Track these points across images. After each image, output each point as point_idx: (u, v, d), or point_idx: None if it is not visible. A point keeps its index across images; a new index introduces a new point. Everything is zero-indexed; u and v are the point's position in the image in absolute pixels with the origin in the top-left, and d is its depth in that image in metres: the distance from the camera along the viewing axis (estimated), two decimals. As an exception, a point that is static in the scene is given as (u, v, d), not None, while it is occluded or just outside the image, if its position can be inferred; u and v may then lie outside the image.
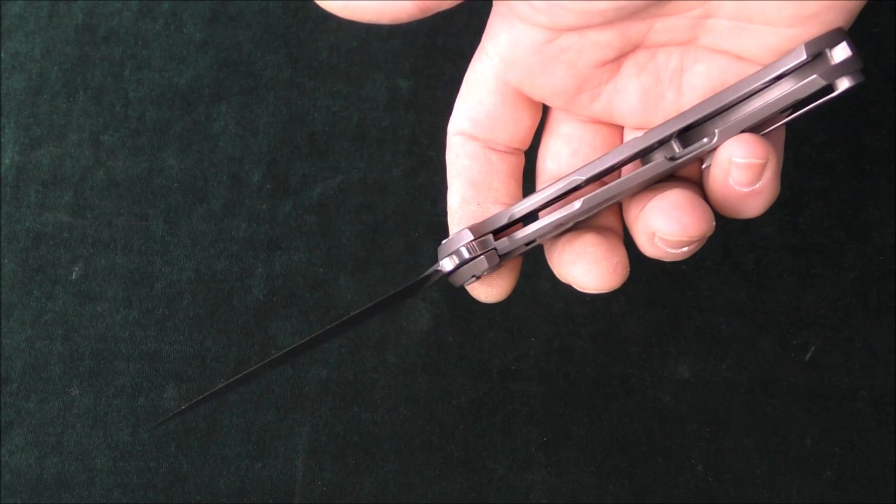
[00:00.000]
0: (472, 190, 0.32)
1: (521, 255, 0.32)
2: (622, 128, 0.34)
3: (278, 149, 0.49)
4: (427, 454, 0.45)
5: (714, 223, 0.29)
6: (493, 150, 0.33)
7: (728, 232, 0.47)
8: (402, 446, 0.45)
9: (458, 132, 0.33)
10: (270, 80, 0.50)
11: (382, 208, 0.48)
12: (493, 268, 0.31)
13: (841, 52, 0.29)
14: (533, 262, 0.46)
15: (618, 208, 0.33)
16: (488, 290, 0.33)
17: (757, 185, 0.29)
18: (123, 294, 0.47)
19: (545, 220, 0.31)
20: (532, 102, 0.33)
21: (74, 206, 0.48)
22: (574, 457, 0.45)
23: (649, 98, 0.32)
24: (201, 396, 0.34)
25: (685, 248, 0.29)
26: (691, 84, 0.32)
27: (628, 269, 0.31)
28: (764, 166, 0.29)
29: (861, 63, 0.29)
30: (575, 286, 0.31)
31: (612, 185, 0.30)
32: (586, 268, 0.31)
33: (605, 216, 0.33)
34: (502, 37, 0.31)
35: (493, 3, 0.31)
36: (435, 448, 0.45)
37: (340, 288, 0.47)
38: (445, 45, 0.51)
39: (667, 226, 0.29)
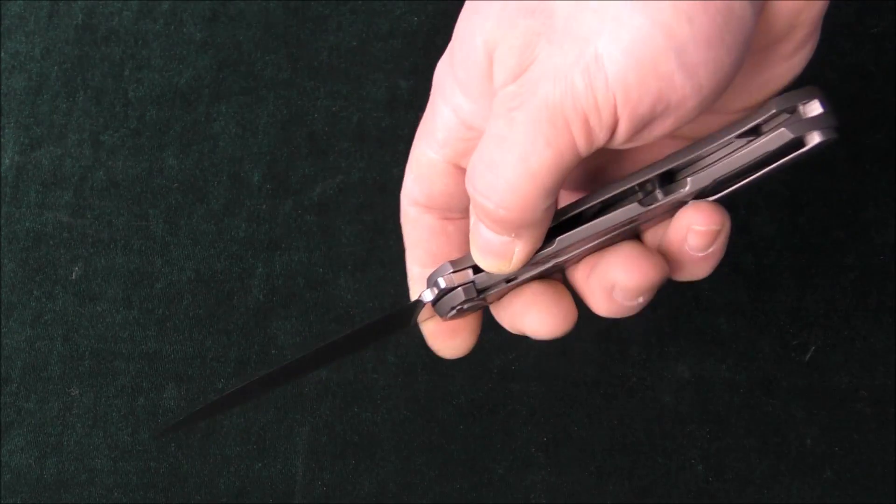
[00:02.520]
0: (431, 260, 0.33)
1: (480, 309, 0.33)
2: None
3: (278, 149, 0.49)
4: (427, 454, 0.45)
5: (668, 270, 0.30)
6: (451, 220, 0.33)
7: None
8: (402, 446, 0.45)
9: (412, 203, 0.33)
10: (270, 80, 0.50)
11: (382, 208, 0.48)
12: (472, 302, 0.32)
13: (813, 108, 0.29)
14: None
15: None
16: (450, 343, 0.34)
17: (710, 250, 0.30)
18: (123, 294, 0.47)
19: None
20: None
21: (74, 206, 0.48)
22: (574, 457, 0.45)
23: (590, 174, 0.33)
24: (204, 405, 0.34)
25: (640, 300, 0.30)
26: (633, 159, 0.32)
27: (576, 312, 0.32)
28: (719, 233, 0.30)
29: (835, 120, 0.29)
30: (529, 335, 0.32)
31: (589, 225, 0.30)
32: (538, 317, 0.32)
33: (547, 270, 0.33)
34: (448, 119, 0.30)
35: (433, 82, 0.31)
36: (435, 448, 0.45)
37: (340, 288, 0.47)
38: (445, 45, 0.51)
39: (627, 275, 0.30)
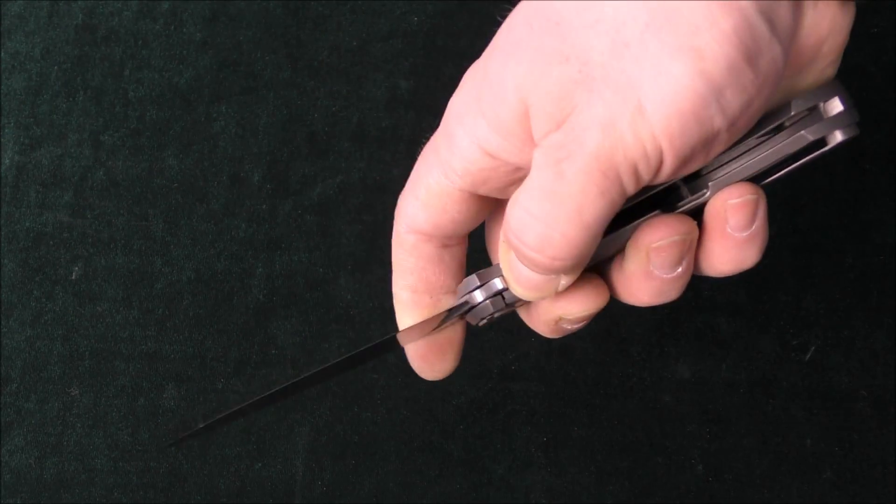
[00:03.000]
0: (424, 286, 0.33)
1: (461, 331, 0.34)
2: None
3: (278, 149, 0.49)
4: (427, 454, 0.45)
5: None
6: (448, 247, 0.33)
7: (728, 232, 0.47)
8: (402, 446, 0.45)
9: (413, 231, 0.32)
10: (270, 80, 0.50)
11: (382, 208, 0.48)
12: (503, 311, 0.32)
13: (834, 107, 0.29)
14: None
15: None
16: (437, 367, 0.35)
17: (753, 228, 0.30)
18: (123, 294, 0.47)
19: None
20: (483, 199, 0.33)
21: (74, 206, 0.48)
22: (574, 457, 0.45)
23: None
24: (221, 415, 0.34)
25: (680, 269, 0.31)
26: None
27: (607, 289, 0.32)
28: (757, 203, 0.30)
29: (856, 116, 0.29)
30: (566, 316, 0.32)
31: (615, 234, 0.31)
32: (574, 296, 0.32)
33: None
34: (469, 150, 0.30)
35: (448, 112, 0.31)
36: (435, 448, 0.45)
37: (340, 288, 0.47)
38: (445, 45, 0.51)
39: (659, 236, 0.30)
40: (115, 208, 0.48)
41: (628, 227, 0.30)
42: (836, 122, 0.29)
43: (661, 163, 0.26)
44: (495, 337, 0.46)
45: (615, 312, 0.47)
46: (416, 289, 0.33)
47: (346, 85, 0.50)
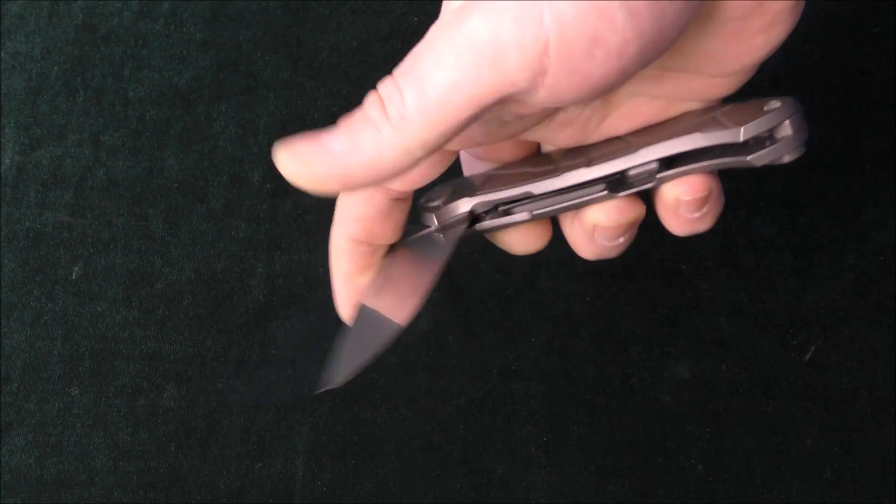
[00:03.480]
0: (367, 236, 0.33)
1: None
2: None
3: (278, 149, 0.49)
4: (427, 454, 0.45)
5: (643, 208, 0.31)
6: (398, 200, 0.32)
7: (728, 232, 0.47)
8: (402, 446, 0.45)
9: (345, 237, 0.32)
10: (270, 80, 0.50)
11: (382, 208, 0.48)
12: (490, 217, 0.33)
13: (783, 131, 0.29)
14: (532, 262, 0.46)
15: None
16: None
17: (704, 209, 0.30)
18: (123, 294, 0.47)
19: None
20: (454, 152, 0.33)
21: (74, 206, 0.48)
22: (574, 457, 0.45)
23: (575, 139, 0.32)
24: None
25: (621, 239, 0.31)
26: (614, 126, 0.32)
27: (550, 232, 0.33)
28: (709, 196, 0.30)
29: (805, 135, 0.29)
30: (507, 250, 0.33)
31: (560, 206, 0.32)
32: (516, 235, 0.33)
33: None
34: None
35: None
36: (435, 448, 0.45)
37: (340, 288, 0.47)
38: (445, 45, 0.51)
39: (606, 216, 0.31)
40: (116, 208, 0.48)
41: (576, 202, 0.31)
42: (786, 146, 0.29)
43: (542, 61, 0.24)
44: (495, 337, 0.46)
45: (615, 312, 0.47)
46: (357, 238, 0.33)
47: (346, 85, 0.50)
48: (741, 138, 0.29)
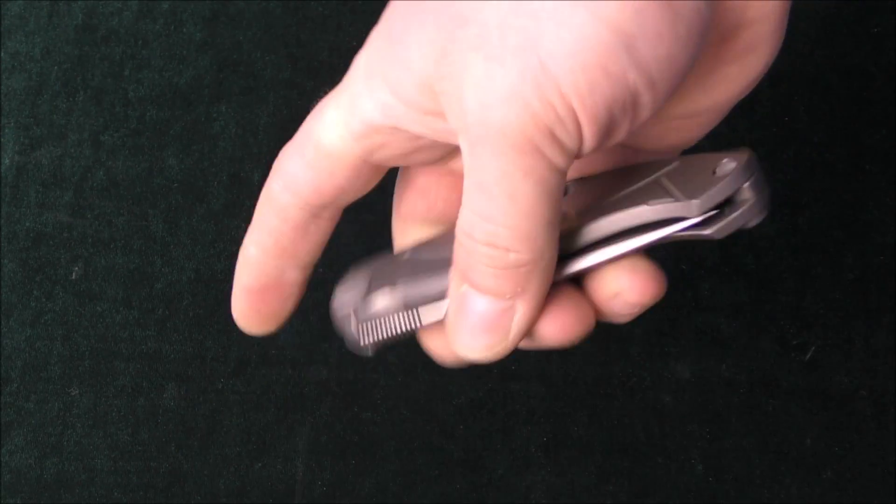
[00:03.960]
0: (277, 252, 0.30)
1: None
2: None
3: (278, 149, 0.49)
4: (427, 454, 0.45)
5: (594, 321, 0.27)
6: (317, 217, 0.30)
7: (728, 232, 0.47)
8: (402, 446, 0.45)
9: (290, 191, 0.30)
10: (270, 80, 0.50)
11: (382, 208, 0.48)
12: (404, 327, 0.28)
13: (743, 194, 0.25)
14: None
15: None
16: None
17: (633, 313, 0.27)
18: (123, 294, 0.47)
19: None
20: (383, 168, 0.30)
21: (74, 206, 0.48)
22: (574, 457, 0.45)
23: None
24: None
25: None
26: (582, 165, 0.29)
27: (594, 314, 0.28)
28: (655, 301, 0.27)
29: (768, 195, 0.26)
30: (542, 343, 0.28)
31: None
32: (555, 320, 0.28)
33: None
34: (372, 114, 0.27)
35: (356, 63, 0.27)
36: (435, 448, 0.45)
37: (340, 288, 0.47)
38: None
39: (550, 330, 0.27)
40: (116, 208, 0.48)
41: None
42: (749, 214, 0.26)
43: (578, 125, 0.23)
44: (495, 337, 0.46)
45: (615, 312, 0.47)
46: (267, 251, 0.30)
47: (346, 85, 0.50)
48: (696, 213, 0.25)
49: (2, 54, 0.51)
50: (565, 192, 0.27)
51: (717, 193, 0.25)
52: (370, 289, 0.29)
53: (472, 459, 0.45)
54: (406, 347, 0.46)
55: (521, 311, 0.26)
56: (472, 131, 0.24)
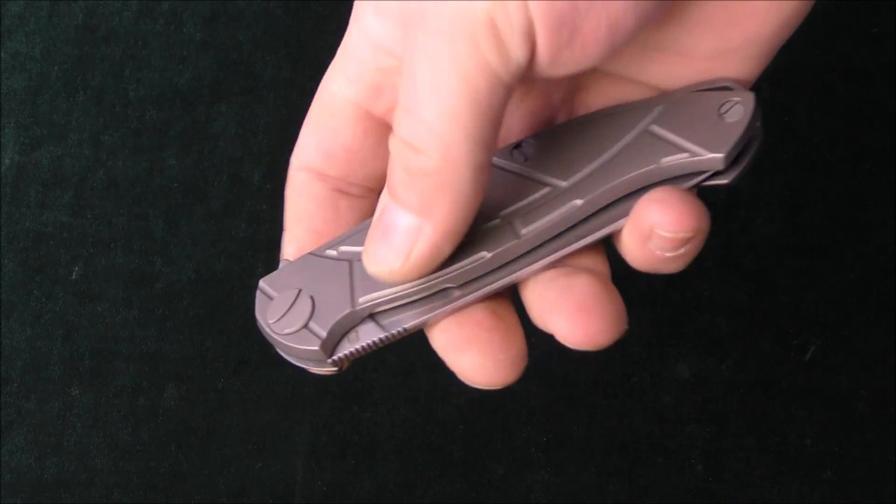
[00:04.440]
0: (312, 238, 0.27)
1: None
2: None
3: (278, 149, 0.49)
4: (427, 454, 0.45)
5: (627, 324, 0.25)
6: (343, 192, 0.27)
7: (728, 232, 0.47)
8: (402, 446, 0.45)
9: (304, 167, 0.27)
10: (270, 80, 0.50)
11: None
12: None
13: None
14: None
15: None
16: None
17: (682, 250, 0.24)
18: (123, 294, 0.47)
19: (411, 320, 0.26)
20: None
21: (74, 206, 0.48)
22: (574, 457, 0.45)
23: (536, 120, 0.27)
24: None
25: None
26: (587, 104, 0.27)
27: (527, 359, 0.26)
28: (691, 239, 0.24)
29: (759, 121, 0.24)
30: (460, 377, 0.26)
31: (502, 281, 0.26)
32: (478, 361, 0.26)
33: None
34: (360, 47, 0.25)
35: (355, 3, 0.26)
36: (435, 448, 0.45)
37: (340, 288, 0.47)
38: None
39: (570, 332, 0.25)
40: (116, 208, 0.48)
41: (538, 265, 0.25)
42: (752, 155, 0.24)
43: (530, 26, 0.21)
44: (495, 337, 0.47)
45: (615, 312, 0.47)
46: (302, 243, 0.28)
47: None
48: (722, 166, 0.23)
49: (2, 54, 0.51)
50: (523, 156, 0.25)
51: (739, 141, 0.23)
52: (319, 305, 0.26)
53: (472, 459, 0.45)
54: (406, 347, 0.46)
55: (425, 234, 0.23)
56: (411, 16, 0.22)
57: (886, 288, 0.47)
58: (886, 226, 0.48)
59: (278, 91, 0.50)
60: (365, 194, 0.28)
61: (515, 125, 0.27)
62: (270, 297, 0.27)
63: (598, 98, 0.27)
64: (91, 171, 0.49)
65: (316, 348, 0.27)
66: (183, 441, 0.45)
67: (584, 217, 0.25)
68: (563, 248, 0.25)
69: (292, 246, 0.28)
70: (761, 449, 0.45)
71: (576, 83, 0.27)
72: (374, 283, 0.25)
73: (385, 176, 0.26)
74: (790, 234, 0.48)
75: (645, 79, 0.26)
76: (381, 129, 0.27)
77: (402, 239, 0.23)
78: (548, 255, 0.25)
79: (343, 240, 0.26)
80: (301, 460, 0.45)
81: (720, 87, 0.24)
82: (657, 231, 0.24)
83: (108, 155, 0.49)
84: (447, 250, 0.23)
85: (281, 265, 0.28)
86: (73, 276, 0.48)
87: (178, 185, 0.49)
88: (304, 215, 0.28)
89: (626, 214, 0.24)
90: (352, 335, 0.27)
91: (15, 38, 0.51)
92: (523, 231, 0.25)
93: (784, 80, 0.48)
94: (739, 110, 0.23)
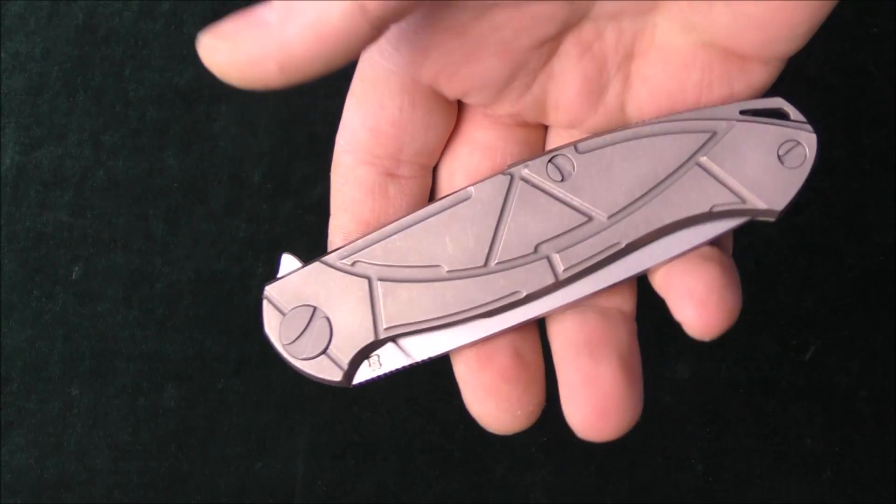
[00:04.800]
0: (360, 231, 0.26)
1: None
2: (545, 130, 0.27)
3: (278, 149, 0.49)
4: (427, 454, 0.45)
5: (638, 413, 0.24)
6: (393, 175, 0.25)
7: (728, 232, 0.47)
8: (402, 446, 0.45)
9: (350, 148, 0.26)
10: (270, 80, 0.50)
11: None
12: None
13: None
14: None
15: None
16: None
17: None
18: (124, 294, 0.47)
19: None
20: (448, 102, 0.26)
21: (75, 206, 0.48)
22: (574, 457, 0.45)
23: (591, 88, 0.25)
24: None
25: None
26: (643, 74, 0.25)
27: (543, 406, 0.26)
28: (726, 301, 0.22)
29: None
30: (475, 419, 0.25)
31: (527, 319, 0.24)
32: (495, 414, 0.25)
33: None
34: (412, 17, 0.23)
35: None
36: (435, 448, 0.45)
37: (340, 288, 0.47)
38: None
39: (577, 409, 0.24)
40: (116, 208, 0.48)
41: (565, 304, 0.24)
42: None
43: None
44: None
45: (615, 312, 0.47)
46: (349, 232, 0.26)
47: (346, 84, 0.50)
48: (775, 217, 0.23)
49: (2, 54, 0.51)
50: (560, 173, 0.24)
51: (796, 191, 0.22)
52: (338, 329, 0.24)
53: (472, 459, 0.45)
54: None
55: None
56: None
57: (886, 288, 0.47)
58: (886, 226, 0.48)
59: (278, 91, 0.50)
60: (416, 173, 0.26)
61: (568, 89, 0.25)
62: (280, 311, 0.26)
63: (657, 67, 0.25)
64: (91, 171, 0.49)
65: (338, 379, 0.26)
66: (183, 441, 0.45)
67: (623, 255, 0.25)
68: (597, 285, 0.25)
69: (338, 235, 0.27)
70: (761, 449, 0.45)
71: (632, 47, 0.25)
72: (400, 306, 0.24)
73: (439, 148, 0.25)
74: (790, 234, 0.48)
75: (712, 29, 0.24)
76: (430, 98, 0.25)
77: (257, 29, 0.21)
78: (581, 293, 0.25)
79: (360, 248, 0.25)
80: (301, 460, 0.45)
81: (773, 110, 0.23)
82: (685, 327, 0.23)
83: (108, 155, 0.49)
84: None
85: (288, 271, 0.26)
86: (74, 276, 0.48)
87: (179, 185, 0.49)
88: (351, 203, 0.26)
89: (665, 254, 0.24)
90: (373, 359, 0.25)
91: (15, 38, 0.51)
92: (562, 270, 0.24)
93: (784, 80, 0.48)
94: (801, 155, 0.22)
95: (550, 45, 0.24)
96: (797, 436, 0.45)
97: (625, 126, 0.25)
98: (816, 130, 0.22)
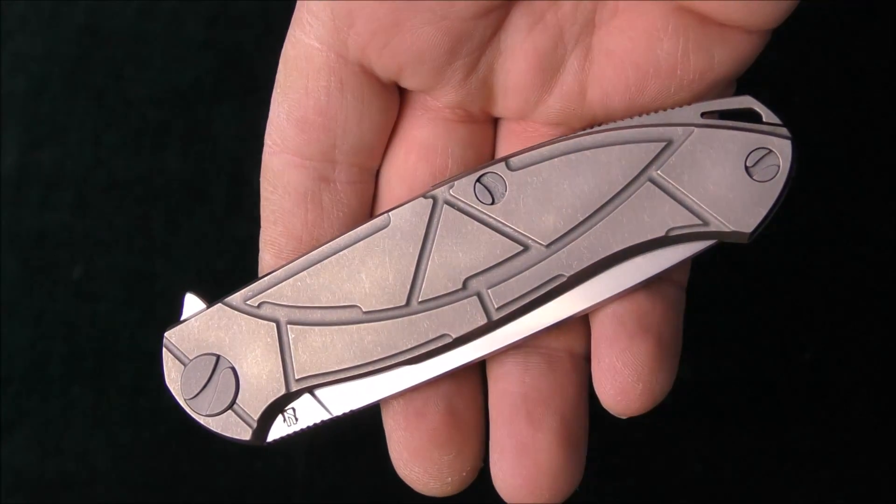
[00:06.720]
0: (292, 248, 0.23)
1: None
2: (493, 128, 0.24)
3: (279, 149, 0.49)
4: (427, 454, 0.45)
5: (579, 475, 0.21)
6: (327, 181, 0.22)
7: (728, 232, 0.47)
8: (402, 446, 0.45)
9: (277, 149, 0.23)
10: (271, 81, 0.50)
11: (383, 208, 0.48)
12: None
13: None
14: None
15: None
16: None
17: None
18: (124, 294, 0.47)
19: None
20: (382, 86, 0.23)
21: (75, 206, 0.48)
22: (574, 457, 0.45)
23: (545, 65, 0.22)
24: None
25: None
26: (606, 47, 0.22)
27: (478, 471, 0.22)
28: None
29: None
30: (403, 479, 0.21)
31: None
32: (423, 479, 0.22)
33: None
34: None
35: None
36: (435, 448, 0.45)
37: (341, 288, 0.47)
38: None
39: (508, 474, 0.21)
40: (117, 208, 0.49)
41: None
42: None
43: None
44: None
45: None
46: (280, 248, 0.23)
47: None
48: (748, 239, 0.19)
49: (3, 55, 0.51)
50: (490, 195, 0.21)
51: (772, 210, 0.18)
52: (245, 380, 0.21)
53: (472, 459, 0.45)
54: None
55: None
56: None
57: (886, 288, 0.47)
58: (886, 226, 0.48)
59: (279, 91, 0.50)
60: (355, 178, 0.23)
61: (518, 67, 0.22)
62: (181, 360, 0.22)
63: (623, 38, 0.22)
64: (92, 171, 0.49)
65: (247, 438, 0.22)
66: (183, 441, 0.45)
67: (566, 289, 0.21)
68: (537, 325, 0.21)
69: (269, 252, 0.24)
70: (761, 449, 0.45)
71: (592, 14, 0.22)
72: (314, 354, 0.21)
73: (378, 147, 0.22)
74: (790, 234, 0.48)
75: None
76: (361, 80, 0.22)
77: None
78: (519, 335, 0.21)
79: (266, 287, 0.22)
80: (301, 460, 0.45)
81: (741, 111, 0.20)
82: (601, 400, 0.21)
83: (109, 155, 0.49)
84: None
85: (189, 316, 0.21)
86: (75, 276, 0.48)
87: (179, 185, 0.49)
88: (281, 214, 0.23)
89: (617, 287, 0.21)
90: (288, 413, 0.22)
91: (16, 38, 0.51)
92: (495, 309, 0.21)
93: (784, 80, 0.48)
94: (773, 165, 0.19)
95: (497, 14, 0.21)
96: (797, 436, 0.45)
97: (562, 137, 0.21)
98: (794, 134, 0.18)
